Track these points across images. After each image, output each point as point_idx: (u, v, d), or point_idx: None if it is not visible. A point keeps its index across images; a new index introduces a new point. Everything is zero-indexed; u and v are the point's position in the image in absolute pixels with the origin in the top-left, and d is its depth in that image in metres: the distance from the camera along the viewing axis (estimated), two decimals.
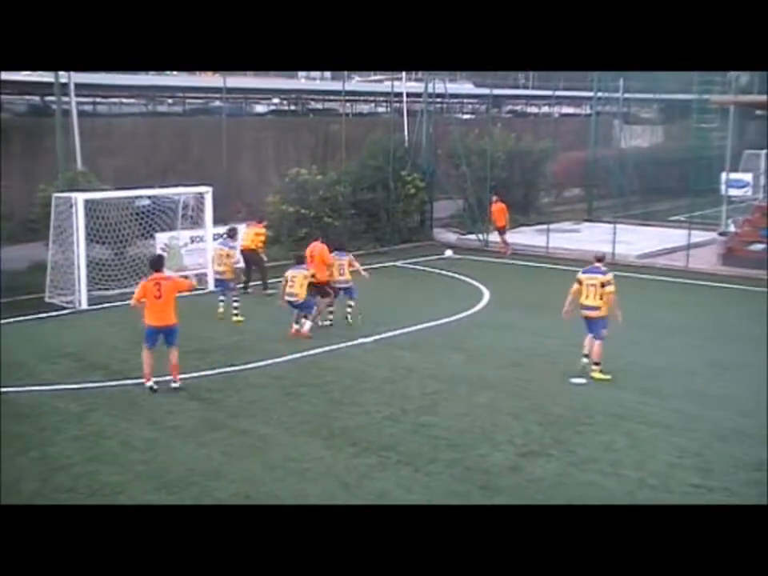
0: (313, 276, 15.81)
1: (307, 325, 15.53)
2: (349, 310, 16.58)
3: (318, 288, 16.13)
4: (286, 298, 15.50)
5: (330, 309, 16.57)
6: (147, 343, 12.46)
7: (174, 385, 12.56)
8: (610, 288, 13.21)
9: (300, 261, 15.98)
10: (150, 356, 12.46)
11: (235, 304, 17.02)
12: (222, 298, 17.41)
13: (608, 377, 13.17)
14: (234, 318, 16.85)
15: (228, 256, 17.51)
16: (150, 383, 12.47)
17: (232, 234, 18.42)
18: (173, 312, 12.56)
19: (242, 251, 19.58)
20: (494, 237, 26.71)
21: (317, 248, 16.68)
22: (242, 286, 18.96)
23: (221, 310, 17.17)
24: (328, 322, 16.48)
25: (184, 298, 17.91)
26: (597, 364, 13.29)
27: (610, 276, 13.34)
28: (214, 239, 20.45)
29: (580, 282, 13.40)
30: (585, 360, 13.45)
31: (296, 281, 15.43)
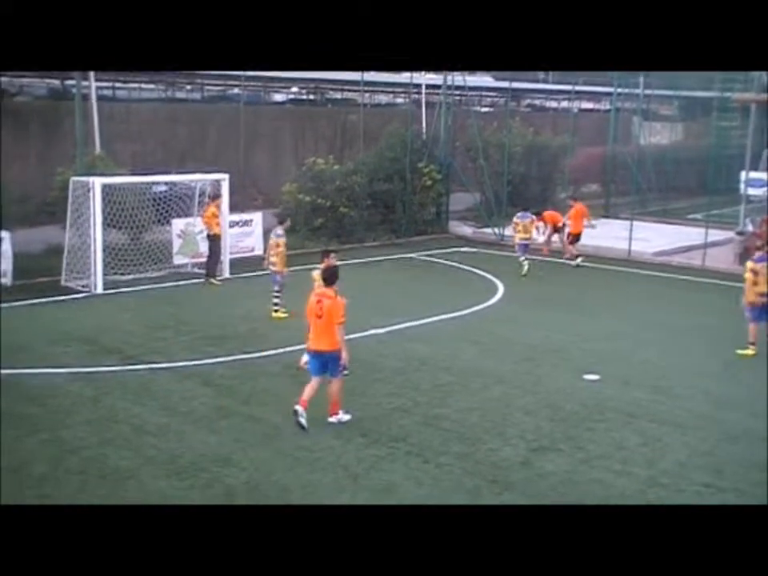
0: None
1: None
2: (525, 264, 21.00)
3: (575, 237, 22.89)
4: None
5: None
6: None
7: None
8: None
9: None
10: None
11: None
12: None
13: None
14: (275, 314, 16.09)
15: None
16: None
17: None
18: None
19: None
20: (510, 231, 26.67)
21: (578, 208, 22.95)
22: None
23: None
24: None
25: (200, 285, 18.02)
26: None
27: None
28: (230, 227, 20.52)
29: (755, 272, 13.99)
30: (751, 347, 14.24)
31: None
